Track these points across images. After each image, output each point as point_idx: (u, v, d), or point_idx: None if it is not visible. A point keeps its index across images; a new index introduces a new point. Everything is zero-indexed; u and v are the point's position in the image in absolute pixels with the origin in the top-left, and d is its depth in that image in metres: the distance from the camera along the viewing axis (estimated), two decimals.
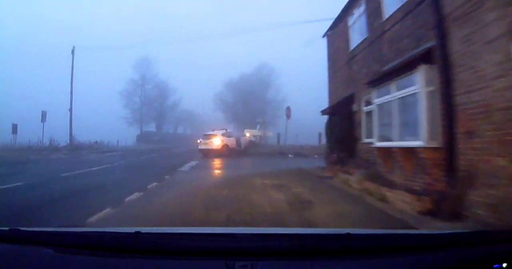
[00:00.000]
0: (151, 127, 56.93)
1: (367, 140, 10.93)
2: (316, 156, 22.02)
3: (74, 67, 30.78)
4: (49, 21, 67.44)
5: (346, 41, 12.93)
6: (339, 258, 1.55)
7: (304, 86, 54.97)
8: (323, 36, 15.58)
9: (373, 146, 9.42)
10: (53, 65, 43.18)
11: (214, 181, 10.03)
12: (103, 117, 51.69)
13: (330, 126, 12.39)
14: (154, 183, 9.68)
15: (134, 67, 53.82)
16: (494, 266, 1.48)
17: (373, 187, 8.58)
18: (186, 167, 15.26)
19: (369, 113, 11.01)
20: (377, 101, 9.28)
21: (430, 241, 1.71)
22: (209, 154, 22.84)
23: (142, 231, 1.64)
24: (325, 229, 3.19)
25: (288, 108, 26.41)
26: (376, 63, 10.31)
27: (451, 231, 2.00)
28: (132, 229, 1.66)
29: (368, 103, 11.05)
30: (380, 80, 9.02)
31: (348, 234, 1.67)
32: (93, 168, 14.17)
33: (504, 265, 1.49)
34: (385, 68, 9.39)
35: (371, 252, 1.58)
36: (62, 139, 31.32)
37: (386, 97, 8.78)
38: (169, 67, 63.85)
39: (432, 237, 1.81)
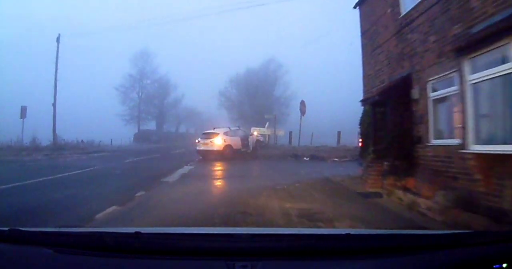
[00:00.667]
0: (151, 126, 53.33)
1: (436, 142, 7.37)
2: (336, 159, 18.43)
3: (67, 59, 27.68)
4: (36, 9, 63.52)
5: (395, 4, 9.27)
6: (339, 258, 1.51)
7: (316, 81, 51.55)
8: (355, 6, 11.94)
9: (466, 151, 5.78)
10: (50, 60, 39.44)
11: (207, 205, 6.42)
12: (99, 114, 48.40)
13: (374, 122, 8.77)
14: (112, 208, 6.14)
15: (131, 61, 49.99)
16: (494, 266, 1.43)
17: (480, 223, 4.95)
18: (175, 175, 11.63)
19: (439, 101, 7.45)
20: (473, 77, 5.71)
21: (430, 241, 1.67)
22: (208, 156, 19.14)
23: (142, 231, 1.59)
24: (325, 229, 2.96)
25: (302, 103, 22.52)
26: (456, 23, 6.66)
27: (451, 231, 2.03)
28: (132, 229, 1.61)
29: (434, 88, 7.50)
30: (484, 42, 5.42)
31: (348, 234, 1.62)
32: (53, 176, 10.67)
33: (504, 265, 1.45)
34: (485, 25, 5.74)
35: (371, 252, 1.53)
36: (48, 138, 28.07)
37: (494, 69, 5.21)
38: (170, 61, 60.15)
39: (432, 237, 1.77)
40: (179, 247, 1.54)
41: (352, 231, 1.75)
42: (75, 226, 2.57)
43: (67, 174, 11.58)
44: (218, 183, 10.08)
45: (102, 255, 1.50)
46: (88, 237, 1.68)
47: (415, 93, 8.07)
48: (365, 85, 11.09)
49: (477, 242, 1.67)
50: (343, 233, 1.68)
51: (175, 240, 1.62)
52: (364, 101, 9.15)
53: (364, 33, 11.53)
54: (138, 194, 7.80)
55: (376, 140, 8.74)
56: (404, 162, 7.92)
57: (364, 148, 10.28)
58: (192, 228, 2.24)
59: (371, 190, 8.61)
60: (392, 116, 8.04)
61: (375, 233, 1.95)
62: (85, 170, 12.93)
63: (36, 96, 34.00)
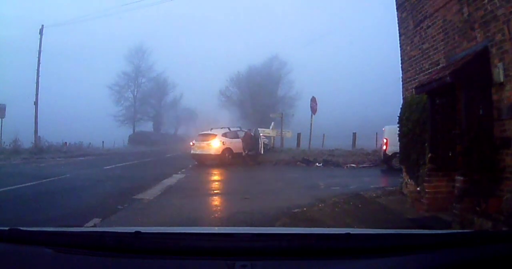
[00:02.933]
0: (148, 127, 50.42)
1: None
2: (353, 165, 15.86)
3: (53, 54, 25.28)
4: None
5: None
6: (339, 258, 1.50)
7: (324, 80, 49.11)
8: None
9: None
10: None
11: None
12: (91, 115, 45.80)
13: (433, 117, 6.20)
14: None
15: (126, 58, 47.01)
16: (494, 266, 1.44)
17: None
18: (157, 188, 8.98)
19: None
20: None
21: (430, 241, 1.64)
22: (204, 161, 16.51)
23: (142, 231, 1.58)
24: (325, 229, 2.94)
25: (313, 99, 19.80)
26: None
27: (451, 231, 2.17)
28: (132, 229, 1.58)
29: None
30: None
31: (348, 234, 1.59)
32: None
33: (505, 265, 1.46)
34: None
35: (371, 252, 1.52)
36: (31, 140, 25.59)
37: None
38: (168, 59, 56.71)
39: (432, 237, 1.72)
40: (179, 247, 1.50)
41: (352, 231, 1.70)
42: (75, 226, 2.50)
43: (20, 186, 9.03)
44: (211, 202, 7.50)
45: (102, 255, 1.47)
46: (88, 237, 1.66)
47: (498, 73, 5.46)
48: (405, 71, 8.48)
49: (477, 242, 1.60)
50: (343, 232, 1.61)
51: (175, 240, 1.57)
52: (418, 89, 6.49)
53: (401, 5, 8.94)
54: (89, 224, 5.22)
55: (436, 143, 6.13)
56: (485, 175, 5.33)
57: (405, 154, 7.68)
58: (192, 227, 2.35)
59: (428, 214, 6.03)
60: (468, 110, 5.44)
61: (375, 233, 1.88)
62: (48, 179, 10.41)
63: (20, 94, 31.46)
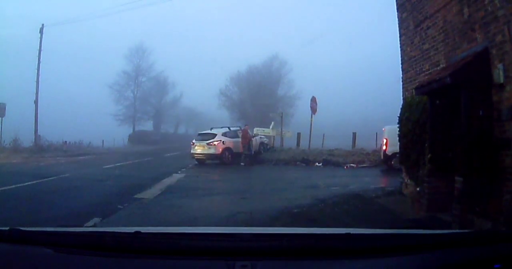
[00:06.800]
0: (148, 126, 50.39)
1: None
2: (353, 165, 15.87)
3: (54, 53, 25.22)
4: None
5: None
6: (339, 258, 1.50)
7: (324, 80, 49.02)
8: None
9: None
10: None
11: None
12: (92, 114, 45.70)
13: (433, 118, 6.21)
14: None
15: (126, 57, 46.74)
16: (495, 266, 1.41)
17: None
18: (157, 188, 8.99)
19: None
20: None
21: (430, 241, 1.64)
22: (205, 160, 16.55)
23: (142, 231, 1.59)
24: (325, 229, 2.84)
25: (313, 99, 19.81)
26: None
27: (451, 231, 2.18)
28: (132, 229, 1.60)
29: None
30: None
31: (348, 234, 1.60)
32: None
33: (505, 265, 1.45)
34: None
35: (371, 252, 1.52)
36: (31, 139, 25.55)
37: None
38: (168, 59, 56.38)
39: (432, 237, 1.72)
40: (179, 247, 1.50)
41: (352, 231, 1.71)
42: (75, 226, 2.45)
43: (20, 185, 9.04)
44: (211, 202, 7.51)
45: (102, 255, 1.47)
46: (88, 237, 1.66)
47: (498, 74, 5.46)
48: (406, 71, 8.50)
49: (477, 242, 1.61)
50: (343, 232, 1.64)
51: (175, 240, 1.57)
52: (418, 90, 6.51)
53: (401, 5, 8.95)
54: (89, 223, 5.23)
55: (436, 144, 6.14)
56: (485, 176, 5.34)
57: (405, 154, 7.68)
58: (192, 227, 2.29)
59: (428, 214, 6.07)
60: (468, 111, 5.45)
61: (375, 233, 1.88)
62: (48, 179, 10.42)
63: (20, 93, 31.46)
